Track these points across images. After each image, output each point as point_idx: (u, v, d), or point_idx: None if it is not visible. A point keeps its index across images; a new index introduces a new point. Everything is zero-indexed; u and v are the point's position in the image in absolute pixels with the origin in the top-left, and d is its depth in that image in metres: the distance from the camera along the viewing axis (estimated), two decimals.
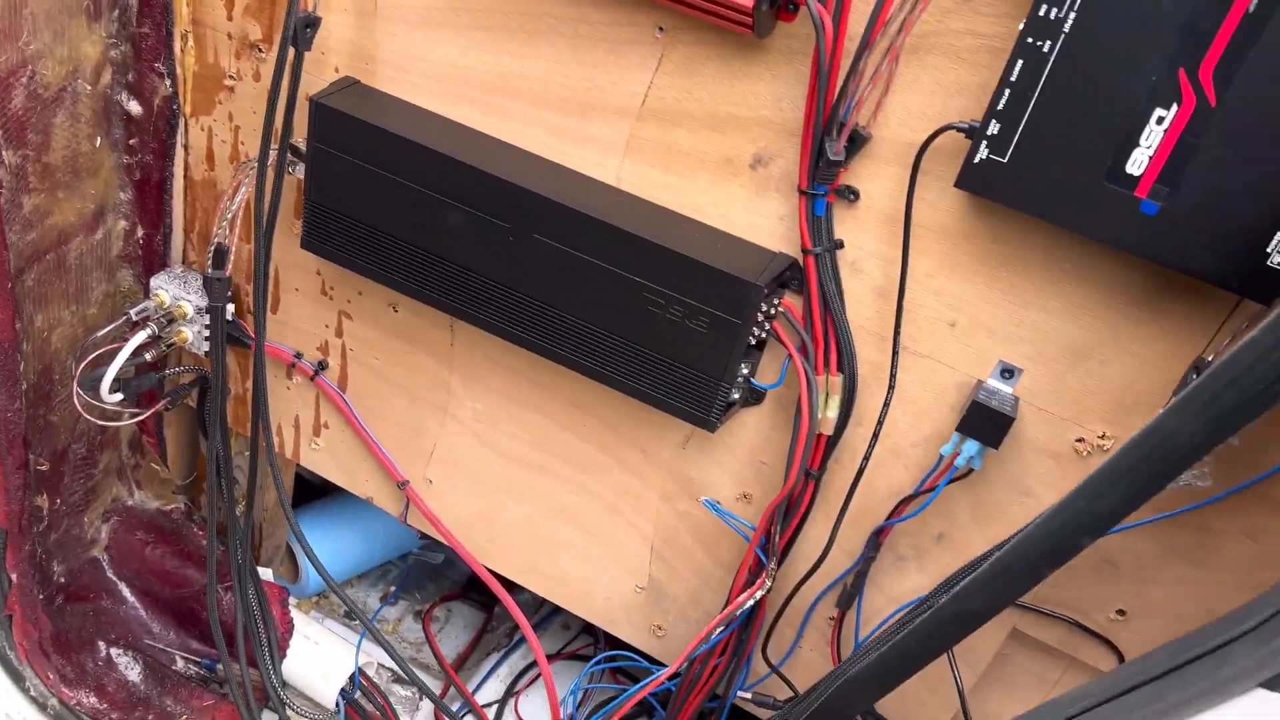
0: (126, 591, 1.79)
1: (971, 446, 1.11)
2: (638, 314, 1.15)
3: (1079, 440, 1.10)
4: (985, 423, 1.08)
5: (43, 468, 1.53)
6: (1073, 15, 0.86)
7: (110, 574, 1.78)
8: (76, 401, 1.43)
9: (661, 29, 1.10)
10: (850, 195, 1.09)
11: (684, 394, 1.17)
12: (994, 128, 0.93)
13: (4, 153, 1.24)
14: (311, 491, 2.07)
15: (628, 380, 1.20)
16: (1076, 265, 1.02)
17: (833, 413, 1.16)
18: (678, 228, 1.15)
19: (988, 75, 0.98)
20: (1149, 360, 1.03)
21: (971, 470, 1.14)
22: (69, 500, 1.64)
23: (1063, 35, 0.87)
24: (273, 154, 1.27)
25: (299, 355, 1.52)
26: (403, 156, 1.19)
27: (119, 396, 1.46)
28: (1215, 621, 0.84)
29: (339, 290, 1.44)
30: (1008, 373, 1.10)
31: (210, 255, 1.37)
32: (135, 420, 1.63)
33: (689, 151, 1.14)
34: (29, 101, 1.25)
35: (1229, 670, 0.79)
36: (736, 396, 1.19)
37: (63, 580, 1.70)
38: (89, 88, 1.34)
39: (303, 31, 1.21)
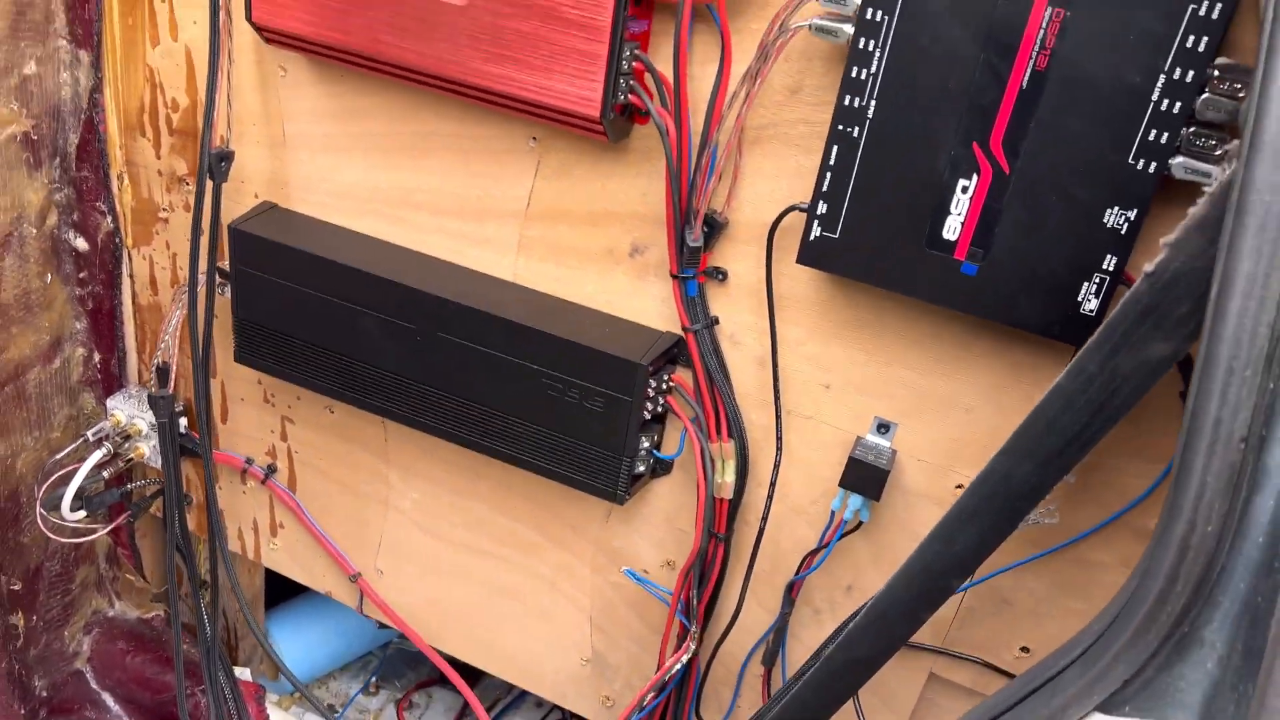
0: (110, 701, 1.85)
1: (856, 500, 1.17)
2: (540, 399, 1.23)
3: (958, 486, 1.16)
4: (863, 477, 1.15)
5: (15, 587, 1.61)
6: (873, 103, 0.95)
7: (94, 685, 1.84)
8: (40, 522, 1.52)
9: (535, 139, 1.20)
10: (719, 275, 1.17)
11: (592, 471, 1.24)
12: (822, 207, 1.01)
13: None
14: (293, 588, 2.13)
15: (541, 462, 1.27)
16: (932, 325, 1.09)
17: (729, 477, 1.23)
18: (570, 316, 1.24)
19: (815, 159, 1.06)
20: (1009, 406, 1.10)
21: (861, 522, 1.20)
22: (46, 616, 1.72)
23: (868, 121, 0.96)
24: (202, 278, 1.37)
25: (249, 460, 1.60)
26: (317, 272, 1.29)
27: (82, 513, 1.54)
28: (1054, 652, 0.89)
29: (279, 397, 1.52)
30: (883, 427, 1.16)
31: (154, 374, 1.47)
32: (102, 534, 1.71)
33: (574, 246, 1.23)
34: None
35: (1060, 699, 0.84)
36: (643, 469, 1.26)
37: (45, 694, 1.77)
38: (34, 230, 1.45)
39: (218, 165, 1.32)
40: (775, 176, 1.10)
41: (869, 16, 0.92)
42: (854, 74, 0.95)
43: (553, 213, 1.23)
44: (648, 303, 1.22)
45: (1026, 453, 0.90)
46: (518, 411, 1.25)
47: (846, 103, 0.96)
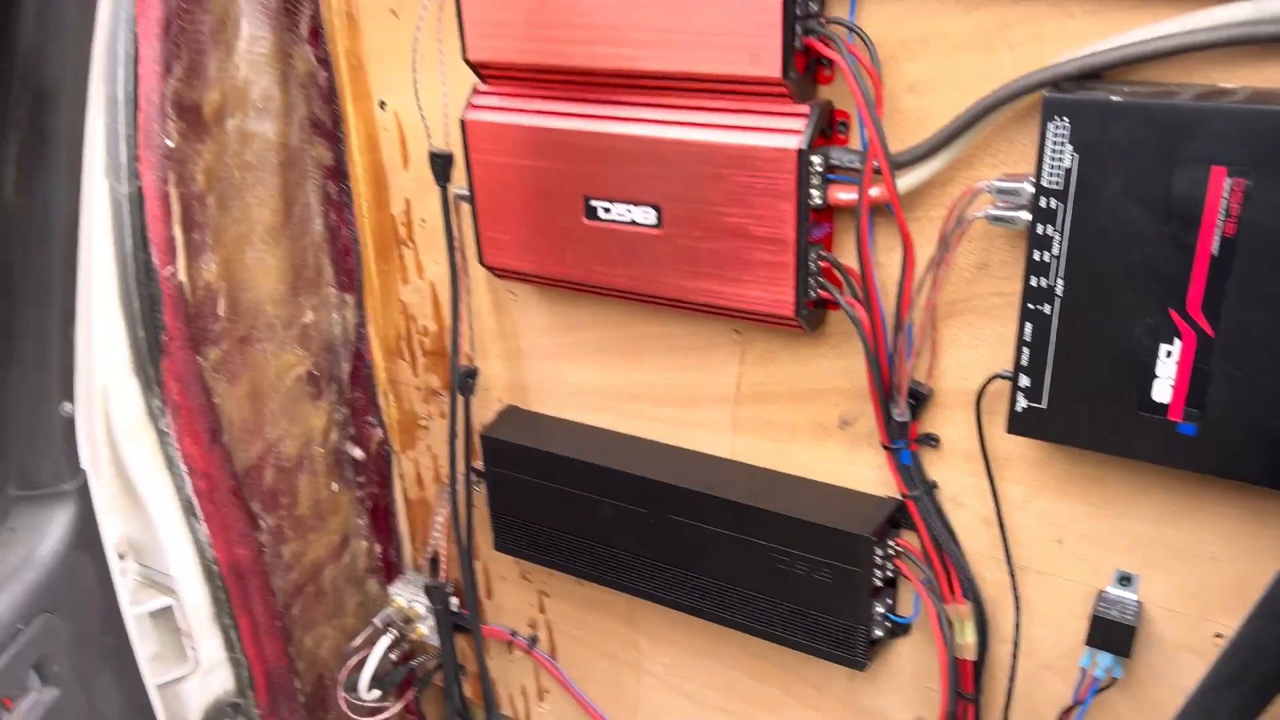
0: None
1: (1106, 658, 1.14)
2: (770, 572, 1.29)
3: (1217, 635, 1.11)
4: (1109, 634, 1.12)
5: None
6: (1060, 281, 0.97)
7: None
8: (342, 704, 1.71)
9: (737, 331, 1.29)
10: (931, 441, 1.20)
11: (830, 639, 1.28)
12: (1025, 380, 1.03)
13: (263, 520, 1.57)
14: None
15: (778, 632, 1.32)
16: (1158, 475, 1.07)
17: (969, 638, 1.23)
18: (790, 489, 1.30)
19: (1013, 327, 1.09)
20: (1255, 551, 1.05)
21: (1115, 679, 1.17)
22: None
23: (1058, 298, 0.98)
24: (460, 477, 1.54)
25: (514, 633, 1.74)
26: (559, 469, 1.42)
27: (377, 693, 1.73)
28: None
29: (535, 575, 1.66)
30: (1125, 579, 1.14)
31: (428, 564, 1.65)
32: (395, 710, 1.90)
33: (785, 422, 1.30)
34: (277, 475, 1.59)
35: None
36: (880, 633, 1.29)
37: None
38: (320, 449, 1.68)
39: (466, 381, 1.50)
40: (974, 345, 1.13)
41: (1044, 205, 0.95)
42: (1037, 257, 0.98)
43: (761, 394, 1.30)
44: (863, 470, 1.27)
45: (1276, 616, 0.87)
46: (749, 585, 1.32)
47: (1034, 283, 0.99)
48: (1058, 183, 0.94)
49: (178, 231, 1.30)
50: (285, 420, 1.59)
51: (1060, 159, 0.93)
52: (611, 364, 1.42)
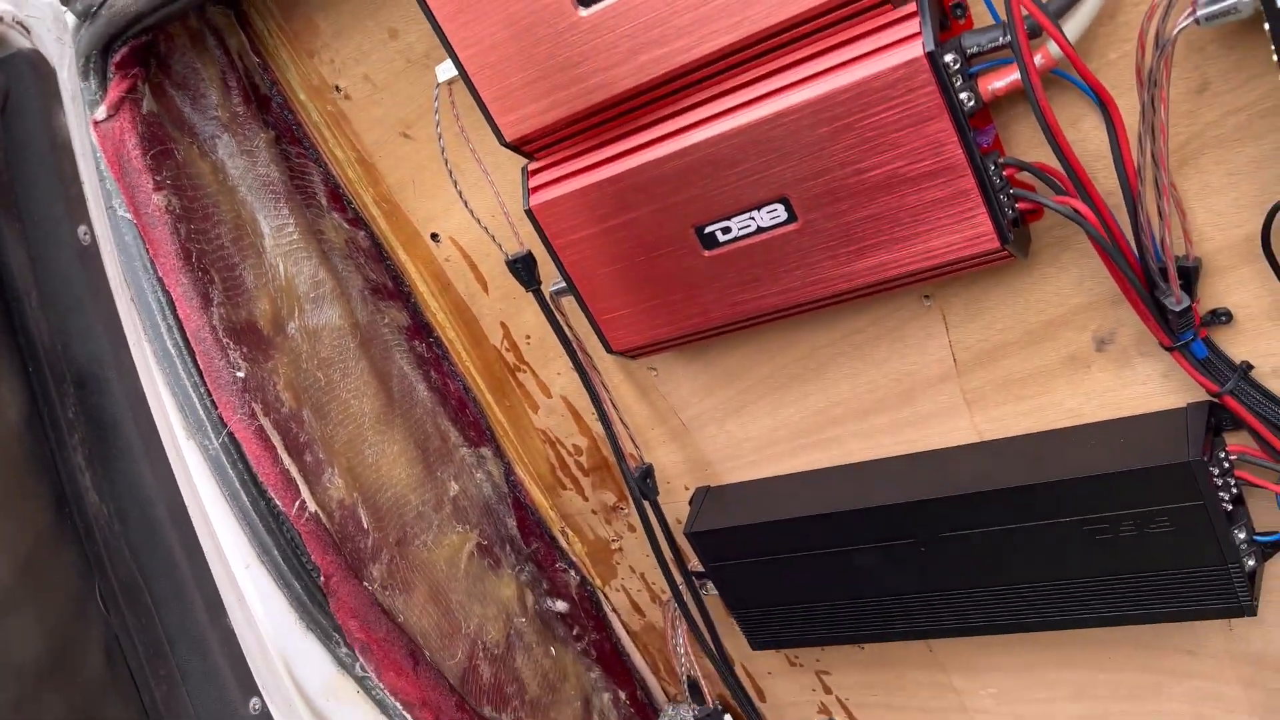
0: None
1: None
2: (1088, 549, 1.05)
3: None
4: None
5: None
6: None
7: None
8: None
9: (926, 296, 1.07)
10: (1222, 318, 0.96)
11: (1197, 595, 1.03)
12: None
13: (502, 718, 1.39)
14: None
15: (1124, 612, 1.07)
16: None
17: None
18: (1070, 446, 1.06)
19: (1274, 139, 0.85)
20: None
21: None
22: None
23: None
24: (682, 586, 1.34)
25: None
26: (786, 535, 1.21)
27: None
28: None
29: (804, 657, 1.44)
30: None
31: (685, 689, 1.44)
32: None
33: (1028, 372, 1.07)
34: (493, 667, 1.41)
35: None
36: (1253, 563, 1.03)
37: None
38: (523, 619, 1.50)
39: (645, 483, 1.30)
40: (1229, 185, 0.89)
41: None
42: None
43: (986, 353, 1.08)
44: (1146, 386, 1.03)
45: None
46: (1070, 573, 1.08)
47: None
48: None
49: (289, 463, 1.14)
50: (477, 606, 1.42)
51: None
52: (792, 396, 1.21)
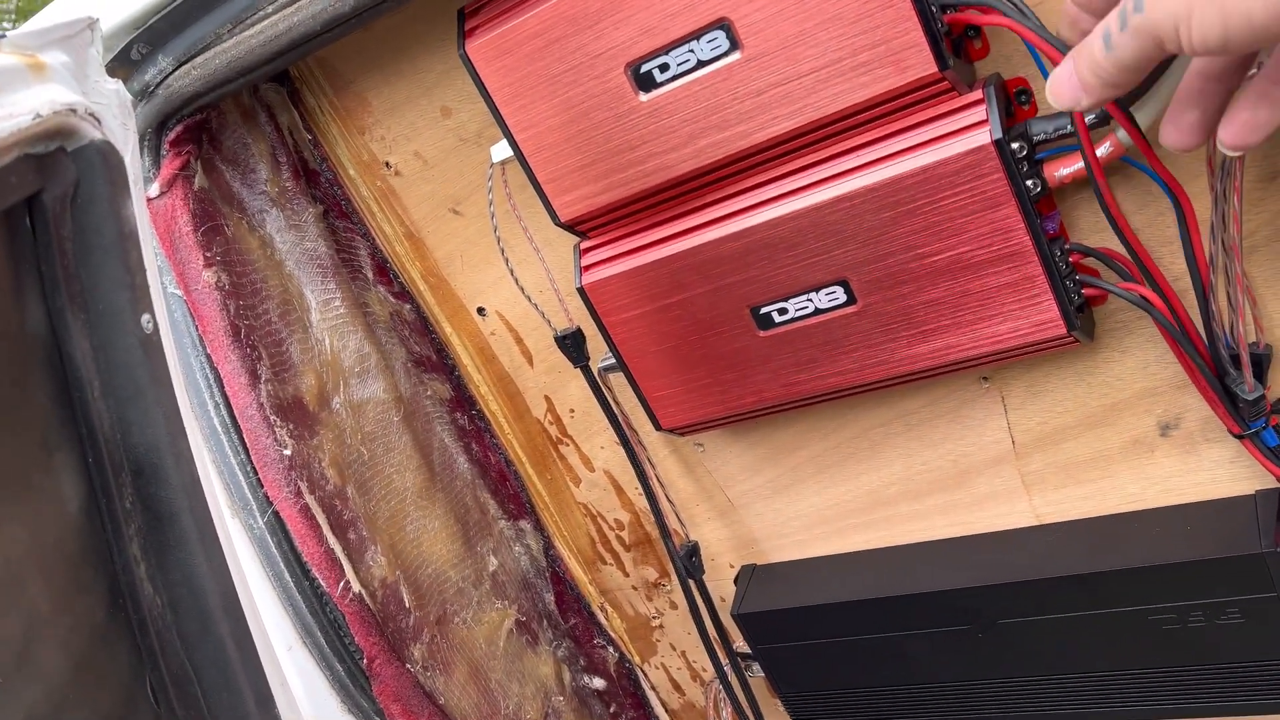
0: None
1: None
2: (1157, 640, 1.02)
3: None
4: None
5: None
6: None
7: None
8: None
9: (984, 378, 1.05)
10: None
11: (1269, 689, 1.00)
12: None
13: None
14: None
15: (1198, 705, 1.04)
16: None
17: None
18: (1134, 533, 1.04)
19: None
20: None
21: None
22: None
23: None
24: (727, 668, 1.31)
25: None
26: (837, 619, 1.18)
27: None
28: None
29: None
30: None
31: None
32: None
33: (1089, 456, 1.05)
34: None
35: None
36: None
37: None
38: (560, 697, 1.46)
39: (690, 562, 1.28)
40: None
41: None
42: None
43: (1046, 436, 1.06)
44: (1212, 473, 1.01)
45: None
46: (1135, 664, 1.05)
47: None
48: None
49: (333, 541, 1.13)
50: (515, 684, 1.39)
51: None
52: (843, 475, 1.19)
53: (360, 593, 1.14)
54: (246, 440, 1.10)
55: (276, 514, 1.11)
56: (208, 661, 0.83)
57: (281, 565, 1.10)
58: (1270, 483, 0.98)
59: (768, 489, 1.24)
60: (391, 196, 1.24)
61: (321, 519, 1.13)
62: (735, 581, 1.30)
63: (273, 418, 1.12)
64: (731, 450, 1.24)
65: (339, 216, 1.26)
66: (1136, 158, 0.85)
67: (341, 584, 1.13)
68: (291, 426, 1.14)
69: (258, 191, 1.20)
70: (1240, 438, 0.94)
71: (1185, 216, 0.85)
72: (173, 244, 1.10)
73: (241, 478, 1.11)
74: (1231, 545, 0.95)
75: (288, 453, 1.12)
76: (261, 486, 1.11)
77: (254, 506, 1.10)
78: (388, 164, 1.21)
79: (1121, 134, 0.84)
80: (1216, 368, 0.90)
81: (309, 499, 1.12)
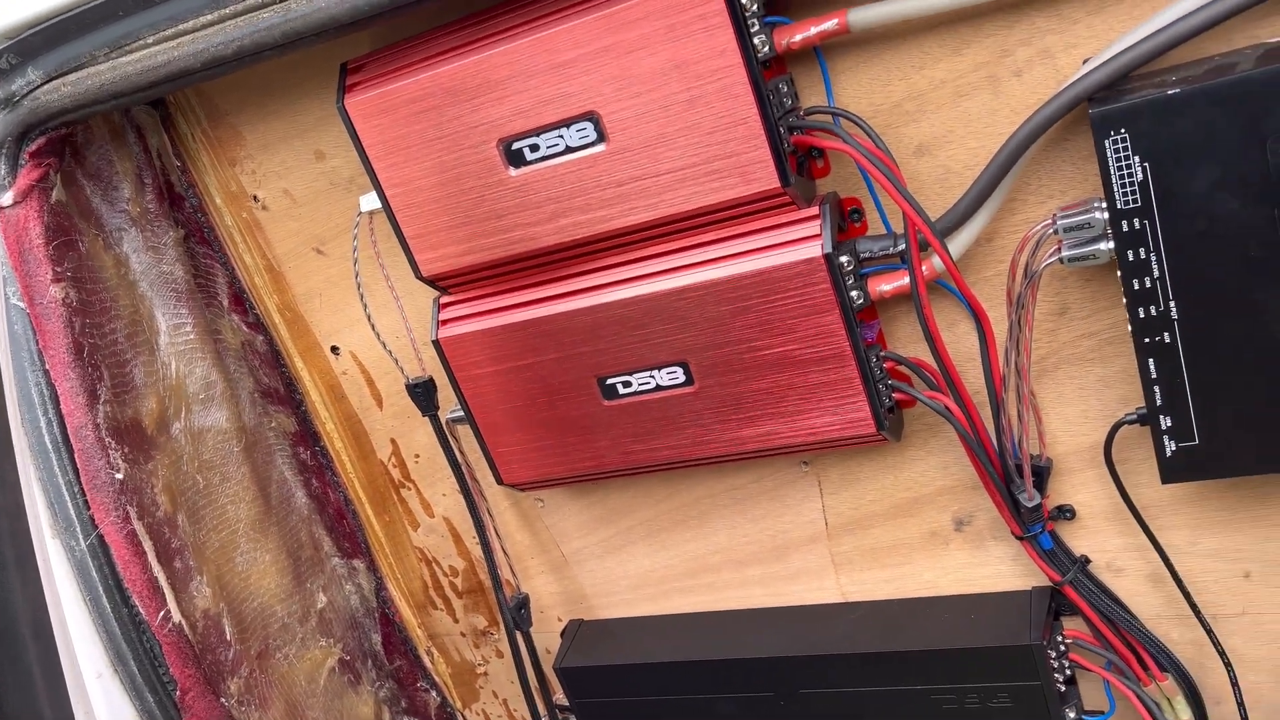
0: None
1: None
2: (938, 717, 1.11)
3: None
4: None
5: None
6: (1173, 304, 0.84)
7: None
8: None
9: (805, 462, 1.14)
10: (1067, 514, 1.05)
11: None
12: (1166, 420, 0.89)
13: None
14: None
15: None
16: None
17: (1185, 713, 1.06)
18: (925, 616, 1.13)
19: (1122, 361, 0.96)
20: None
21: None
22: None
23: (1175, 323, 0.85)
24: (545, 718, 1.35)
25: None
26: (653, 678, 1.24)
27: None
28: None
29: None
30: None
31: None
32: None
33: (892, 543, 1.14)
34: None
35: None
36: None
37: None
38: None
39: (519, 614, 1.31)
40: (1080, 398, 0.99)
41: (1127, 229, 0.83)
42: (1136, 286, 0.85)
43: (855, 521, 1.15)
44: (997, 567, 1.11)
45: None
46: None
47: (1141, 314, 0.86)
48: (1134, 200, 0.82)
49: (157, 569, 1.11)
50: None
51: (1130, 174, 0.81)
52: (673, 541, 1.25)
53: (180, 622, 1.13)
54: (78, 460, 1.08)
55: (101, 538, 1.09)
56: (13, 687, 0.81)
57: (100, 590, 1.08)
58: (1044, 581, 1.08)
59: (601, 548, 1.29)
60: (256, 229, 1.24)
61: (148, 545, 1.11)
62: (561, 635, 1.34)
63: (108, 439, 1.10)
64: (570, 508, 1.28)
65: (200, 242, 1.26)
66: (948, 280, 0.95)
67: (162, 613, 1.11)
68: (127, 450, 1.13)
69: (118, 210, 1.19)
70: (1020, 539, 1.05)
71: (985, 337, 0.95)
72: (21, 255, 1.08)
73: (68, 498, 1.08)
74: (1005, 636, 1.06)
75: (120, 476, 1.11)
76: (88, 509, 1.09)
77: (78, 529, 1.08)
78: (255, 197, 1.22)
79: (936, 260, 0.93)
80: (1004, 475, 1.01)
81: (137, 524, 1.11)
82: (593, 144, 0.95)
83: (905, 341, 1.03)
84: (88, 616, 1.09)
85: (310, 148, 1.17)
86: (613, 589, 1.32)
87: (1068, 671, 1.09)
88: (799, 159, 0.95)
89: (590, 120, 0.94)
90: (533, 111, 0.96)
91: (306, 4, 0.90)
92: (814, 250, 0.93)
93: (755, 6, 0.87)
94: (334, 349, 1.30)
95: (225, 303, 1.29)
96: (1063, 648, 1.08)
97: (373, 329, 1.20)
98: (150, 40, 0.98)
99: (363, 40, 1.05)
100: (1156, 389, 0.88)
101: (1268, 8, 0.80)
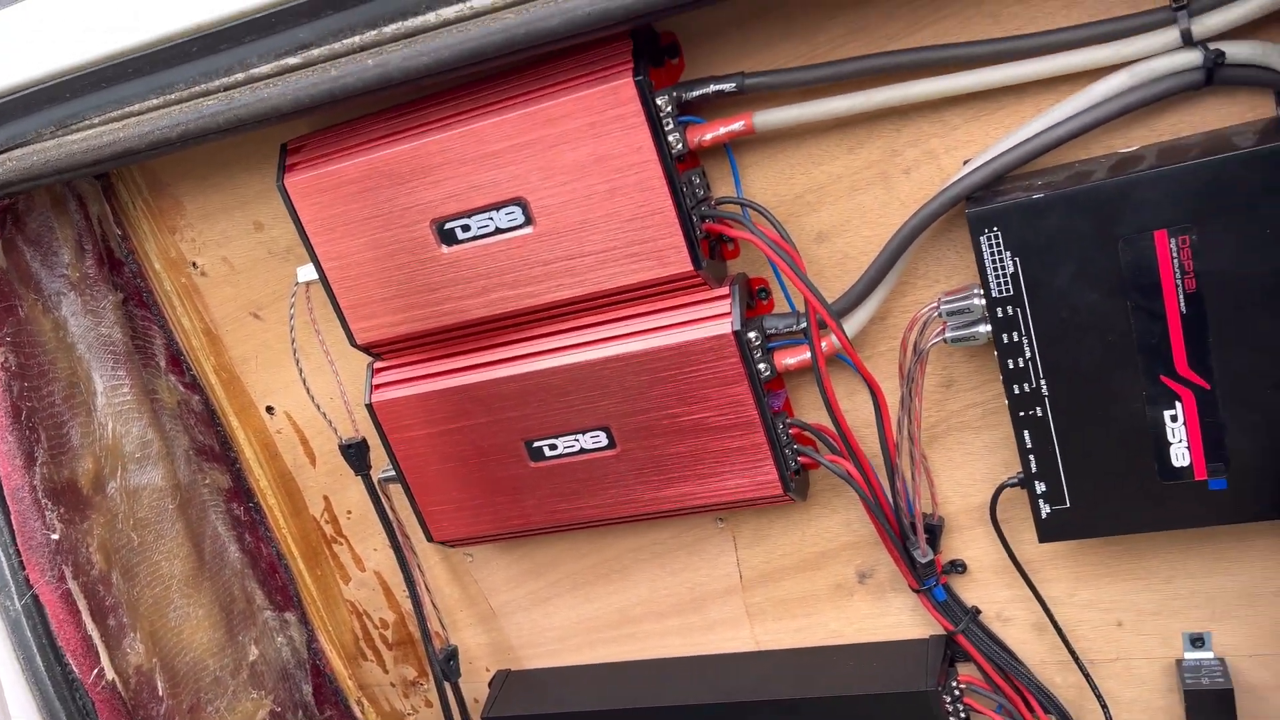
0: None
1: None
2: None
3: None
4: (1210, 705, 1.06)
5: None
6: (1043, 381, 0.94)
7: None
8: None
9: (720, 519, 1.21)
10: (959, 569, 1.14)
11: None
12: (1041, 486, 0.98)
13: None
14: None
15: None
16: (1194, 530, 1.04)
17: None
18: (830, 663, 1.21)
19: (1004, 429, 1.05)
20: None
21: None
22: None
23: (1045, 398, 0.94)
24: None
25: None
26: None
27: None
28: None
29: None
30: (1198, 640, 1.09)
31: None
32: None
33: (801, 595, 1.22)
34: None
35: None
36: None
37: None
38: None
39: (449, 665, 1.36)
40: (967, 462, 1.09)
41: (1001, 315, 0.93)
42: (1011, 365, 0.94)
43: (767, 574, 1.22)
44: (898, 617, 1.19)
45: None
46: None
47: (1016, 390, 0.95)
48: (1008, 290, 0.92)
49: (91, 628, 1.14)
50: None
51: (1003, 267, 0.91)
52: (597, 593, 1.31)
53: (113, 680, 1.15)
54: (14, 522, 1.11)
55: (36, 597, 1.12)
56: None
57: (34, 649, 1.11)
58: (940, 630, 1.17)
59: (528, 600, 1.35)
60: (195, 293, 1.29)
61: (82, 604, 1.14)
62: (489, 685, 1.39)
63: (44, 501, 1.13)
64: (498, 562, 1.34)
65: (139, 305, 1.30)
66: (847, 355, 1.03)
67: (95, 671, 1.14)
68: (63, 510, 1.16)
69: (57, 274, 1.23)
70: (917, 591, 1.14)
71: (880, 408, 1.04)
72: None
73: (3, 559, 1.11)
74: (904, 682, 1.14)
75: (55, 537, 1.13)
76: (24, 569, 1.11)
77: (12, 589, 1.10)
78: (195, 264, 1.27)
79: (834, 337, 1.02)
80: (900, 533, 1.09)
81: (71, 584, 1.14)
82: (521, 226, 1.02)
83: (810, 408, 1.11)
84: (20, 676, 1.11)
85: (250, 218, 1.22)
86: (539, 640, 1.37)
87: (962, 714, 1.17)
88: (711, 243, 1.03)
89: (519, 205, 1.01)
90: (464, 195, 1.03)
91: (250, 94, 0.95)
92: (724, 327, 1.01)
93: (670, 108, 0.95)
94: (269, 409, 1.34)
95: (162, 364, 1.33)
96: (957, 692, 1.16)
97: (307, 391, 1.25)
98: (96, 121, 1.03)
99: (301, 123, 1.11)
100: (1031, 457, 0.98)
101: (1121, 122, 0.91)
